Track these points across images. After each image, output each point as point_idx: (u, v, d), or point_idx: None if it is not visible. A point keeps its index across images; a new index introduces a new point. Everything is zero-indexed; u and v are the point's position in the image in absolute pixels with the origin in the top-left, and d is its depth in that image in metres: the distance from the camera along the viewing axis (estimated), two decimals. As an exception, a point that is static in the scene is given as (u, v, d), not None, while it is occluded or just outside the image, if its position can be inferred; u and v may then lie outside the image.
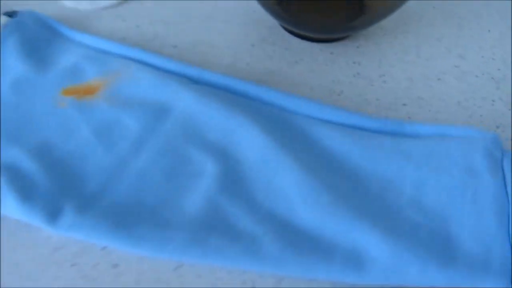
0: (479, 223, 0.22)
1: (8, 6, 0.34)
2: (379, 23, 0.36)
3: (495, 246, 0.21)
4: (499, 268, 0.20)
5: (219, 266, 0.23)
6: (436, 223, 0.23)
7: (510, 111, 0.31)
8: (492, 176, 0.23)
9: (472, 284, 0.20)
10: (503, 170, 0.23)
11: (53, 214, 0.23)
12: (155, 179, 0.25)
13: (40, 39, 0.32)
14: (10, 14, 0.32)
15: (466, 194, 0.23)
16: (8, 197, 0.23)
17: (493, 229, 0.22)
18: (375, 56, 0.34)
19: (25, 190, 0.23)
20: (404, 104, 0.31)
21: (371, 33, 0.36)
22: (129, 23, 0.35)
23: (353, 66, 0.33)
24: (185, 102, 0.28)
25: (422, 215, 0.23)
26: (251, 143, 0.26)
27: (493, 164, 0.23)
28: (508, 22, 0.38)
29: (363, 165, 0.25)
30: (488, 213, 0.22)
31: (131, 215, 0.24)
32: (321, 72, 0.33)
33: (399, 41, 0.36)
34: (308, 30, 0.33)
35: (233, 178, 0.25)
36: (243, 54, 0.33)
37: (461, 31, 0.37)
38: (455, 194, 0.23)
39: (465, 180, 0.23)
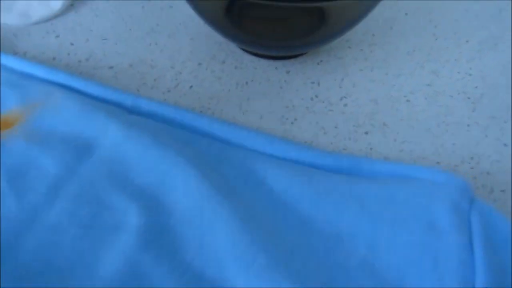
0: (439, 292, 0.19)
1: None
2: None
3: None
4: None
5: None
6: (389, 292, 0.19)
7: (487, 138, 0.27)
8: (458, 234, 0.20)
9: None
10: (470, 226, 0.20)
11: None
12: (68, 235, 0.22)
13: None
14: None
15: (426, 256, 0.19)
16: None
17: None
18: (337, 74, 0.30)
19: None
20: (366, 133, 0.27)
21: (334, 46, 0.32)
22: (63, 40, 0.32)
23: (311, 87, 0.30)
24: (112, 138, 0.25)
25: (374, 281, 0.19)
26: (183, 189, 0.23)
27: (459, 220, 0.20)
28: (489, 30, 0.34)
29: (313, 214, 0.22)
30: (451, 279, 0.19)
31: (35, 279, 0.20)
32: (273, 95, 0.29)
33: (365, 55, 0.32)
34: (261, 48, 0.29)
35: (159, 232, 0.22)
36: (187, 76, 0.30)
37: (436, 42, 0.33)
38: (413, 257, 0.20)
39: (425, 239, 0.20)
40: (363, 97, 0.29)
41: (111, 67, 0.30)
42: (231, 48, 0.32)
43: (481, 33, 0.34)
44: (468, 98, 0.30)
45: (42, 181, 0.23)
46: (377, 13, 0.34)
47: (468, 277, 0.19)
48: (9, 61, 0.29)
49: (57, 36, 0.32)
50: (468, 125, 0.28)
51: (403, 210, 0.21)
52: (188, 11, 0.33)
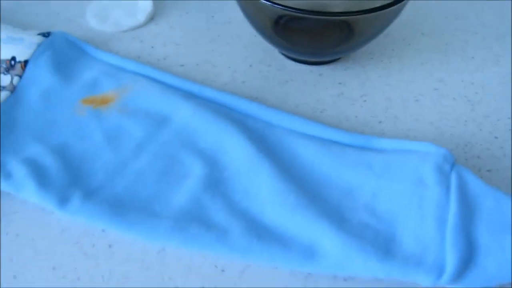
0: (421, 226, 0.25)
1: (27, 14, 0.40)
2: (367, 47, 0.39)
3: (431, 246, 0.24)
4: (431, 265, 0.23)
5: (196, 251, 0.27)
6: (384, 225, 0.26)
7: (481, 131, 0.34)
8: (439, 186, 0.26)
9: (406, 276, 0.23)
10: (449, 181, 0.26)
11: (63, 201, 0.27)
12: (149, 178, 0.30)
13: (68, 56, 0.37)
14: (45, 34, 0.38)
15: (413, 202, 0.26)
16: (28, 184, 0.28)
17: (432, 232, 0.25)
18: (360, 78, 0.38)
19: (43, 179, 0.28)
20: (380, 122, 0.34)
21: (359, 57, 0.40)
22: (145, 44, 0.41)
23: (338, 87, 0.37)
24: (183, 113, 0.33)
25: (374, 218, 0.26)
26: (236, 152, 0.30)
27: (441, 177, 0.26)
28: (492, 50, 0.41)
29: (331, 173, 0.29)
30: (430, 218, 0.25)
31: (126, 205, 0.28)
32: (308, 91, 0.36)
33: (384, 65, 0.39)
34: (300, 54, 0.37)
35: (217, 180, 0.29)
36: (240, 74, 0.38)
37: (446, 57, 0.40)
38: (404, 201, 0.26)
39: (414, 189, 0.27)
40: (380, 96, 0.36)
41: (182, 65, 0.39)
42: (276, 55, 0.40)
43: (486, 51, 0.40)
44: (469, 100, 0.36)
45: (131, 141, 0.32)
46: (397, 32, 0.42)
47: (443, 217, 0.25)
48: (105, 57, 0.38)
49: (141, 41, 0.41)
50: (466, 121, 0.35)
51: (399, 170, 0.28)
52: (242, 25, 0.41)
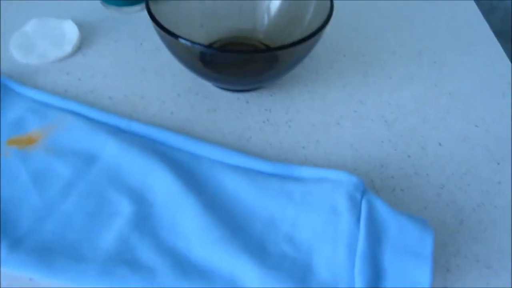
0: (334, 254, 0.27)
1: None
2: (292, 72, 0.41)
3: (342, 273, 0.26)
4: (342, 292, 0.26)
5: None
6: (301, 254, 0.28)
7: (395, 151, 0.36)
8: (350, 215, 0.28)
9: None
10: (361, 210, 0.28)
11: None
12: (77, 220, 0.30)
13: (-10, 95, 0.37)
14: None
15: (328, 230, 0.28)
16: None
17: (343, 260, 0.27)
18: (285, 104, 0.39)
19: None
20: (303, 147, 0.36)
21: (285, 82, 0.41)
22: (72, 76, 0.40)
23: (264, 113, 0.38)
24: (110, 151, 0.33)
25: (292, 247, 0.28)
26: (162, 187, 0.31)
27: (352, 205, 0.29)
28: (407, 68, 0.43)
29: (254, 204, 0.31)
30: (342, 246, 0.27)
31: (54, 251, 0.28)
32: (235, 119, 0.38)
33: (308, 89, 0.41)
34: (227, 84, 0.38)
35: (144, 217, 0.30)
36: (169, 104, 0.39)
37: (366, 78, 0.42)
38: (319, 230, 0.28)
39: (329, 218, 0.28)
40: (304, 121, 0.38)
41: (110, 98, 0.39)
42: (203, 82, 0.41)
43: (402, 70, 0.43)
44: (385, 121, 0.39)
45: (58, 181, 0.32)
46: (321, 54, 0.44)
47: (353, 245, 0.27)
48: (31, 93, 0.38)
49: (68, 73, 0.41)
50: (382, 142, 0.37)
51: (316, 199, 0.30)
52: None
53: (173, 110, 0.38)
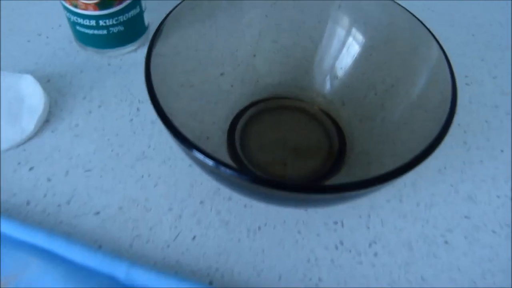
0: None
1: None
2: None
3: None
4: None
5: None
6: None
7: None
8: None
9: None
10: None
11: None
12: None
13: None
14: None
15: None
16: None
17: None
18: (362, 209, 0.26)
19: None
20: (404, 294, 0.23)
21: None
22: (38, 174, 0.27)
23: (334, 230, 0.25)
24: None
25: None
26: None
27: None
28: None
29: None
30: None
31: None
32: (291, 243, 0.25)
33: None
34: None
35: None
36: (187, 220, 0.25)
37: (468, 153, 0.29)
38: None
39: None
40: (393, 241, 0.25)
41: (97, 213, 0.25)
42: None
43: None
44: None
45: None
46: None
47: None
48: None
49: (31, 169, 0.27)
50: None
51: None
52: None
53: (196, 232, 0.25)
